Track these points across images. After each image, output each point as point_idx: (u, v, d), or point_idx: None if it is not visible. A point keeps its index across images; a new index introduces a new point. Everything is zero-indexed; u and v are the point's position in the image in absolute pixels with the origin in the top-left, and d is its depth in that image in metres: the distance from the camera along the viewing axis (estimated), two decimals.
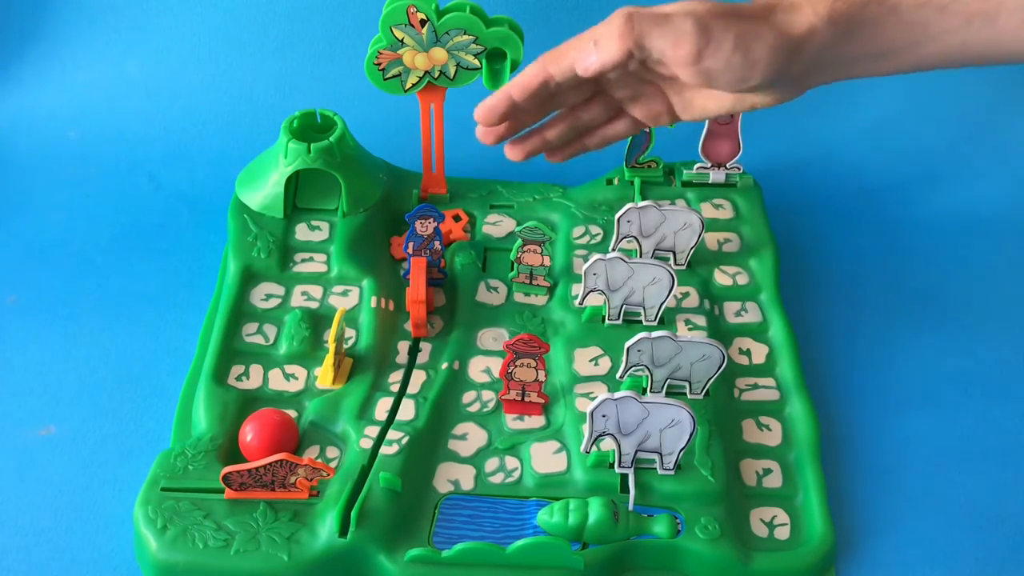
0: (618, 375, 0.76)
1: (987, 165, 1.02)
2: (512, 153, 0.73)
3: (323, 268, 0.85)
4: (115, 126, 1.03)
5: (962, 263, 0.93)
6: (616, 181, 0.93)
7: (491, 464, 0.73)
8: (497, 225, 0.90)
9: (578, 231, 0.89)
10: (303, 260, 0.86)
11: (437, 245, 0.84)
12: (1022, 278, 0.92)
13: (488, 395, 0.77)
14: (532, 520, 0.70)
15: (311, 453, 0.73)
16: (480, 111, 0.69)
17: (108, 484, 0.74)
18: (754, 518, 0.72)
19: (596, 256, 0.79)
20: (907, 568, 0.71)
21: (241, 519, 0.68)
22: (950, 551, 0.72)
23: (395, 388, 0.77)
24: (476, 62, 0.84)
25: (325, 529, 0.68)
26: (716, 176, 0.93)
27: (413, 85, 0.86)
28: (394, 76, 0.85)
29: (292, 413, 0.75)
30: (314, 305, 0.83)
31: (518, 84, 0.68)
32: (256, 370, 0.78)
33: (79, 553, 0.70)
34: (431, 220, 0.83)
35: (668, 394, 0.76)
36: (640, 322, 0.81)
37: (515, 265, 0.85)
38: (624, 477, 0.71)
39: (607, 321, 0.81)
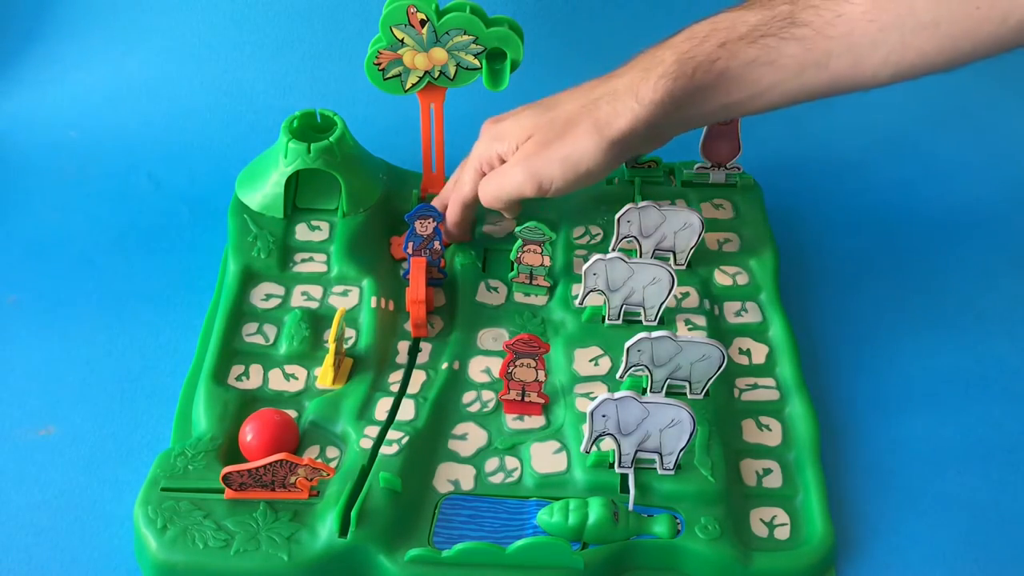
0: (618, 375, 0.76)
1: (987, 165, 1.02)
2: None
3: (323, 268, 0.85)
4: (115, 126, 1.03)
5: (962, 263, 0.93)
6: (616, 181, 0.93)
7: (491, 464, 0.73)
8: (497, 225, 0.90)
9: (578, 231, 0.89)
10: (303, 260, 0.86)
11: (437, 245, 0.84)
12: (1022, 278, 0.92)
13: (488, 395, 0.77)
14: (532, 520, 0.70)
15: (311, 453, 0.73)
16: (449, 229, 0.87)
17: (108, 484, 0.74)
18: (754, 518, 0.72)
19: (596, 256, 0.79)
20: (907, 568, 0.71)
21: (241, 519, 0.68)
22: (950, 551, 0.72)
23: (395, 388, 0.77)
24: (476, 62, 0.84)
25: (325, 529, 0.68)
26: (716, 176, 0.93)
27: (413, 85, 0.86)
28: (394, 76, 0.85)
29: (292, 413, 0.75)
30: (314, 305, 0.83)
31: (450, 213, 0.86)
32: (256, 370, 0.78)
33: (79, 553, 0.70)
34: (431, 220, 0.83)
35: (668, 394, 0.76)
36: (640, 322, 0.81)
37: (515, 265, 0.85)
38: (624, 477, 0.71)
39: (607, 321, 0.81)
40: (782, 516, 0.72)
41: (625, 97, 0.73)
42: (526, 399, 0.76)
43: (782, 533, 0.71)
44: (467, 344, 0.81)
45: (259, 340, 0.80)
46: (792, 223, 0.95)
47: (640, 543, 0.69)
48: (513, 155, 0.79)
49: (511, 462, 0.73)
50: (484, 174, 0.82)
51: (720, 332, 0.82)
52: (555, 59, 1.03)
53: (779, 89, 0.71)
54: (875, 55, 0.69)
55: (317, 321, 0.81)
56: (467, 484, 0.72)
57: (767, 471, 0.74)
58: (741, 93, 0.71)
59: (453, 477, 0.73)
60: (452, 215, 0.85)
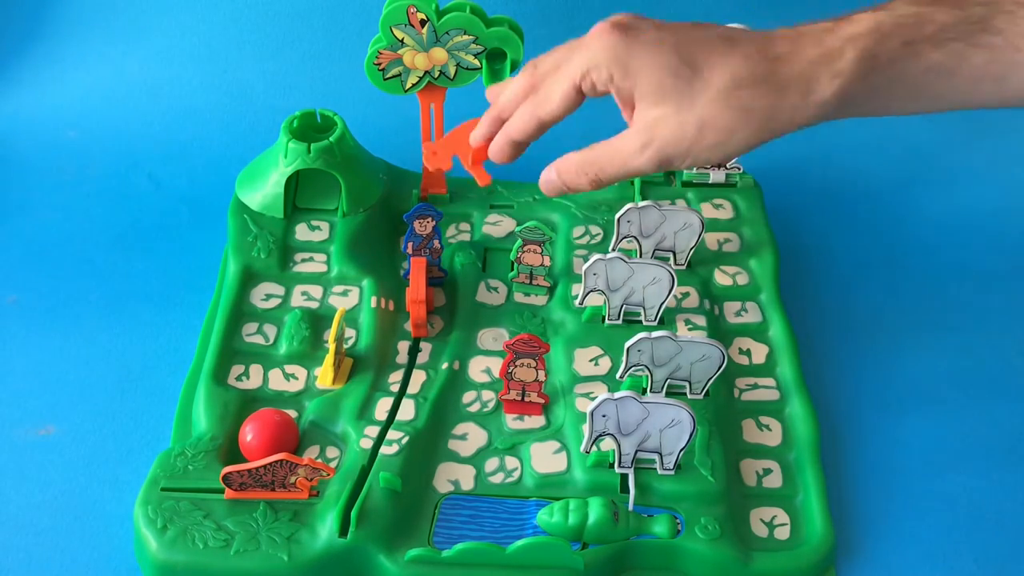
0: (618, 375, 0.76)
1: (987, 165, 1.02)
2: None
3: (323, 268, 0.85)
4: (115, 126, 1.03)
5: (962, 263, 0.93)
6: None
7: (491, 464, 0.73)
8: (497, 225, 0.90)
9: (578, 231, 0.89)
10: (303, 260, 0.86)
11: (437, 244, 0.84)
12: (1022, 278, 0.92)
13: (488, 395, 0.77)
14: (532, 520, 0.70)
15: (311, 453, 0.73)
16: (495, 156, 0.71)
17: (108, 484, 0.74)
18: (754, 518, 0.72)
19: (596, 256, 0.79)
20: (907, 568, 0.71)
21: (241, 519, 0.68)
22: (950, 551, 0.72)
23: (395, 388, 0.77)
24: (476, 62, 0.84)
25: (325, 529, 0.68)
26: (716, 176, 0.93)
27: (413, 85, 0.86)
28: (394, 76, 0.85)
29: (292, 413, 0.75)
30: (314, 305, 0.83)
31: (516, 130, 0.68)
32: (256, 370, 0.78)
33: (79, 553, 0.70)
34: (430, 219, 0.83)
35: (668, 394, 0.76)
36: (640, 322, 0.81)
37: (515, 265, 0.85)
38: (624, 477, 0.71)
39: (607, 321, 0.81)
40: (782, 516, 0.72)
41: (792, 92, 0.61)
42: (526, 399, 0.76)
43: (782, 533, 0.71)
44: (467, 344, 0.81)
45: (259, 340, 0.80)
46: (792, 223, 0.95)
47: (640, 543, 0.69)
48: (641, 109, 0.63)
49: (511, 462, 0.73)
50: (581, 92, 0.65)
51: (720, 332, 0.82)
52: None
53: (946, 100, 0.62)
54: None
55: (317, 321, 0.81)
56: (467, 484, 0.72)
57: (767, 471, 0.74)
58: (909, 102, 0.63)
59: (453, 477, 0.73)
60: (504, 142, 0.69)
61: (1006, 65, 0.60)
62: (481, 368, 0.79)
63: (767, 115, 0.61)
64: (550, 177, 0.67)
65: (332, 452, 0.74)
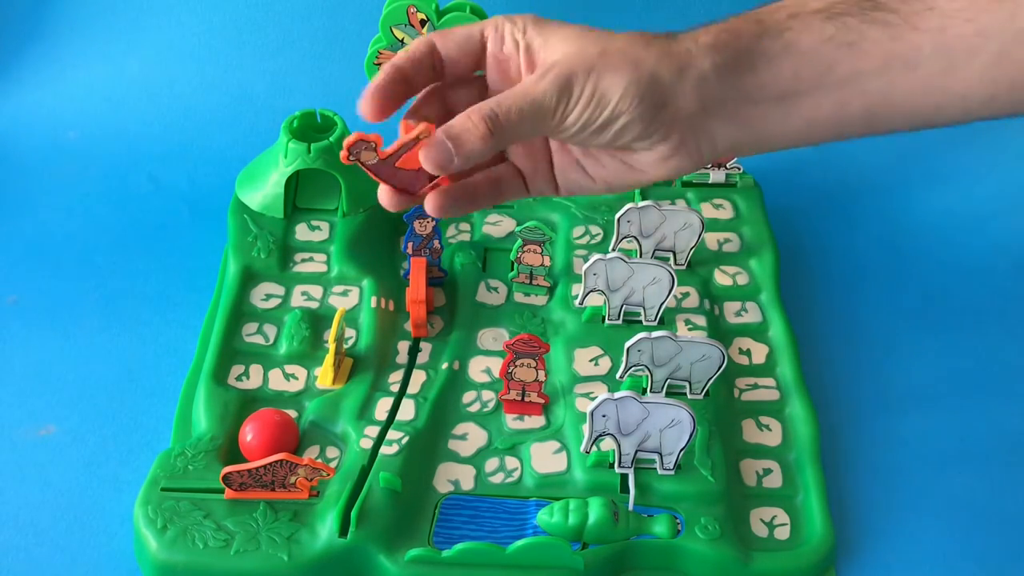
0: (618, 375, 0.76)
1: (987, 165, 1.02)
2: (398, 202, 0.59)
3: (323, 268, 0.85)
4: (115, 126, 1.02)
5: (962, 263, 0.93)
6: None
7: (491, 464, 0.73)
8: (497, 225, 0.90)
9: (578, 231, 0.89)
10: (303, 260, 0.86)
11: (437, 244, 0.84)
12: (1022, 278, 0.91)
13: (488, 395, 0.77)
14: (532, 520, 0.70)
15: (311, 453, 0.73)
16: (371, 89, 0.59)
17: (108, 484, 0.74)
18: (754, 518, 0.72)
19: (596, 256, 0.79)
20: (907, 568, 0.71)
21: (241, 519, 0.68)
22: (950, 551, 0.72)
23: (395, 388, 0.77)
24: None
25: (325, 529, 0.68)
26: (716, 176, 0.93)
27: None
28: None
29: (292, 413, 0.75)
30: (314, 305, 0.83)
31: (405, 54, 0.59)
32: (256, 370, 0.78)
33: (79, 553, 0.70)
34: (430, 220, 0.83)
35: (668, 394, 0.76)
36: (640, 322, 0.81)
37: (515, 265, 0.85)
38: (624, 477, 0.71)
39: (607, 321, 0.81)
40: (782, 516, 0.72)
41: (682, 38, 0.58)
42: (526, 399, 0.76)
43: (782, 533, 0.71)
44: (467, 344, 0.81)
45: (259, 340, 0.80)
46: (792, 223, 0.95)
47: (640, 543, 0.69)
48: (546, 54, 0.58)
49: (511, 462, 0.73)
50: (482, 36, 0.59)
51: (720, 332, 0.82)
52: None
53: (860, 85, 0.57)
54: (971, 64, 0.57)
55: (317, 321, 0.81)
56: (467, 484, 0.72)
57: (767, 471, 0.74)
58: (807, 78, 0.57)
59: (453, 477, 0.73)
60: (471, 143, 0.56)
61: (909, 46, 0.57)
62: (481, 368, 0.79)
63: (655, 69, 0.56)
64: (436, 139, 0.55)
65: (332, 452, 0.73)
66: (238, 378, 0.78)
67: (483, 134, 0.54)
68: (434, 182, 0.57)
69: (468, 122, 0.54)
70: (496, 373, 0.78)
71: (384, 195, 0.58)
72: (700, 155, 0.57)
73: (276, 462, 0.67)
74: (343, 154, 0.56)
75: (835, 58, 0.57)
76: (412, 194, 0.58)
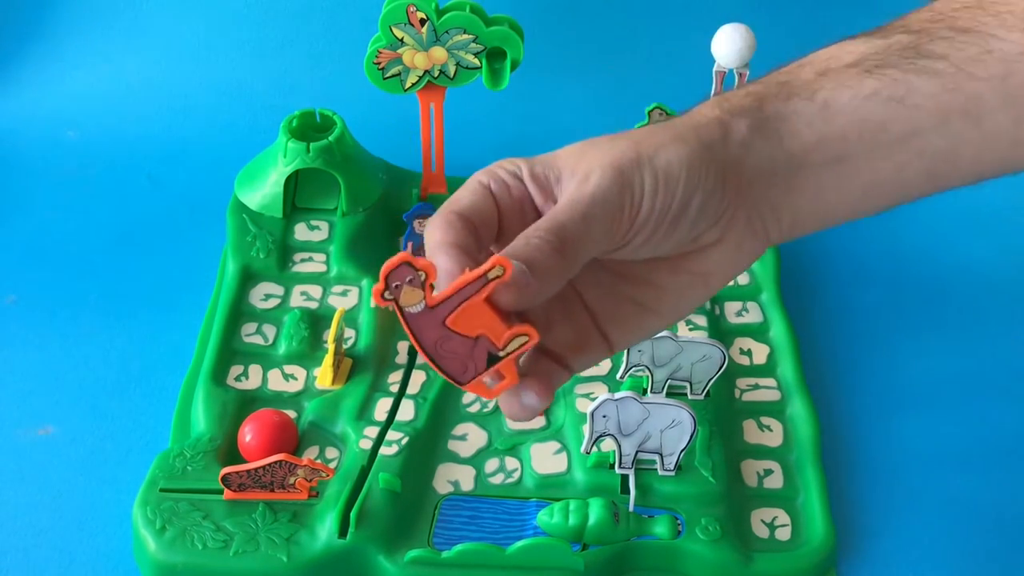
0: (618, 375, 0.75)
1: None
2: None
3: (322, 268, 0.85)
4: (114, 126, 1.02)
5: (963, 263, 0.92)
6: None
7: (491, 465, 0.73)
8: None
9: None
10: (302, 260, 0.86)
11: None
12: (1022, 278, 0.91)
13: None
14: (532, 521, 0.69)
15: (310, 454, 0.73)
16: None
17: (107, 484, 0.74)
18: (755, 519, 0.71)
19: None
20: (908, 569, 0.71)
21: (240, 520, 0.68)
22: (951, 552, 0.71)
23: (395, 388, 0.77)
24: (476, 61, 0.84)
25: (324, 530, 0.67)
26: None
27: (413, 84, 0.85)
28: (394, 75, 0.85)
29: (291, 413, 0.75)
30: (313, 305, 0.83)
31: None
32: (255, 370, 0.78)
33: (78, 554, 0.70)
34: (429, 219, 0.83)
35: (669, 394, 0.75)
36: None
37: None
38: (624, 478, 0.71)
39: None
40: (783, 517, 0.71)
41: (703, 108, 0.51)
42: None
43: (783, 534, 0.70)
44: None
45: (258, 340, 0.80)
46: None
47: (641, 544, 0.68)
48: (569, 169, 0.48)
49: (511, 463, 0.73)
50: (486, 185, 0.49)
51: (721, 332, 0.82)
52: (555, 59, 1.02)
53: (918, 144, 0.49)
54: None
55: (316, 321, 0.81)
56: (467, 485, 0.72)
57: (768, 472, 0.74)
58: (862, 133, 0.49)
59: (453, 478, 0.72)
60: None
61: (968, 97, 0.49)
62: None
63: (700, 138, 0.49)
64: (524, 281, 0.43)
65: (331, 453, 0.73)
66: (237, 378, 0.77)
67: (553, 249, 0.44)
68: (493, 367, 0.42)
69: (529, 242, 0.44)
70: None
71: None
72: (767, 235, 0.51)
73: (275, 463, 0.67)
74: (377, 288, 0.41)
75: (885, 116, 0.49)
76: (457, 383, 0.43)
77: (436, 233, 0.46)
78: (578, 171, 0.47)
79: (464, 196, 0.48)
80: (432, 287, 0.40)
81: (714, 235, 0.49)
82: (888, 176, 0.51)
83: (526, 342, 0.40)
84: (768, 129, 0.49)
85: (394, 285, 0.40)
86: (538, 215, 0.48)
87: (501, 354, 0.41)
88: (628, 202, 0.46)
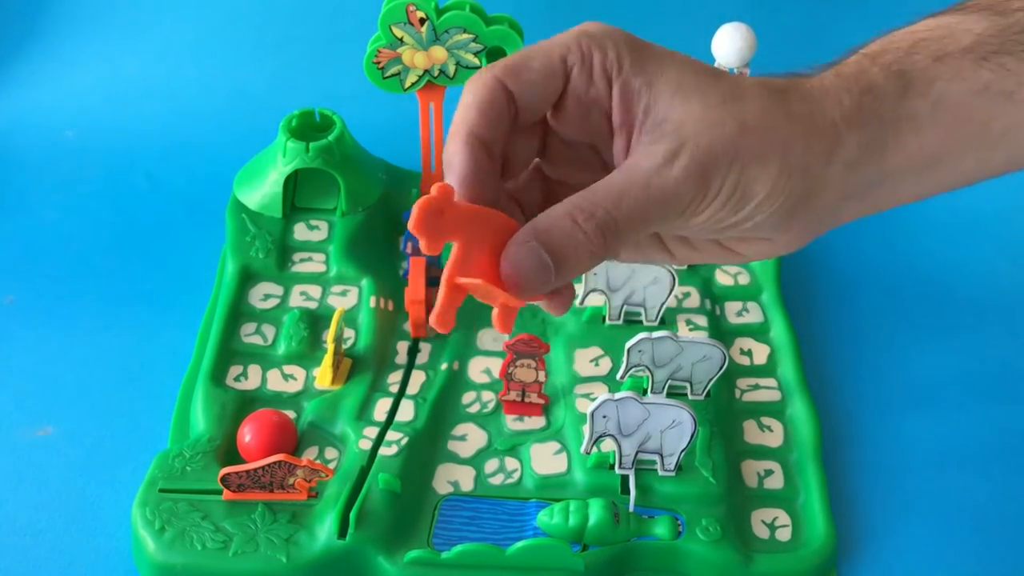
0: (619, 376, 0.75)
1: None
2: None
3: (322, 268, 0.85)
4: (113, 126, 1.02)
5: (964, 263, 0.92)
6: None
7: (491, 465, 0.73)
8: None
9: None
10: (302, 260, 0.86)
11: None
12: (1022, 278, 0.91)
13: (488, 396, 0.77)
14: (532, 521, 0.69)
15: (310, 454, 0.73)
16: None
17: (106, 485, 0.74)
18: (755, 519, 0.71)
19: None
20: (909, 569, 0.71)
21: (239, 520, 0.68)
22: (952, 553, 0.71)
23: (394, 389, 0.77)
24: (476, 61, 0.84)
25: (324, 530, 0.67)
26: None
27: (412, 84, 0.85)
28: (393, 75, 0.85)
29: (291, 414, 0.75)
30: (313, 305, 0.83)
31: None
32: (254, 370, 0.78)
33: (77, 554, 0.70)
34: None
35: (669, 395, 0.75)
36: (641, 322, 0.81)
37: None
38: (625, 478, 0.71)
39: (607, 321, 0.81)
40: (783, 517, 0.71)
41: (828, 101, 0.46)
42: (526, 400, 0.75)
43: (783, 535, 0.70)
44: (467, 344, 0.80)
45: (257, 340, 0.80)
46: None
47: (641, 545, 0.68)
48: (659, 108, 0.44)
49: (511, 463, 0.73)
50: (566, 65, 0.45)
51: (721, 332, 0.82)
52: None
53: (1012, 140, 0.46)
54: None
55: (316, 321, 0.81)
56: (467, 485, 0.72)
57: (768, 472, 0.74)
58: (963, 135, 0.46)
59: (453, 478, 0.72)
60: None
61: None
62: (481, 369, 0.79)
63: (804, 157, 0.45)
64: (528, 248, 0.42)
65: (331, 453, 0.73)
66: (236, 379, 0.77)
67: (596, 248, 0.41)
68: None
69: (576, 230, 0.41)
70: (496, 374, 0.78)
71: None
72: (818, 234, 0.48)
73: (275, 463, 0.67)
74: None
75: (990, 114, 0.46)
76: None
77: (457, 165, 0.44)
78: (669, 128, 0.43)
79: (479, 102, 0.44)
80: None
81: (764, 235, 0.47)
82: (967, 171, 0.48)
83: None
84: (876, 144, 0.46)
85: None
86: (607, 122, 0.44)
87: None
88: (695, 206, 0.43)
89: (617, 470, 0.71)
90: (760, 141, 0.43)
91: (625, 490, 0.71)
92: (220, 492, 0.69)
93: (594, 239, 0.41)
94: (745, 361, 0.81)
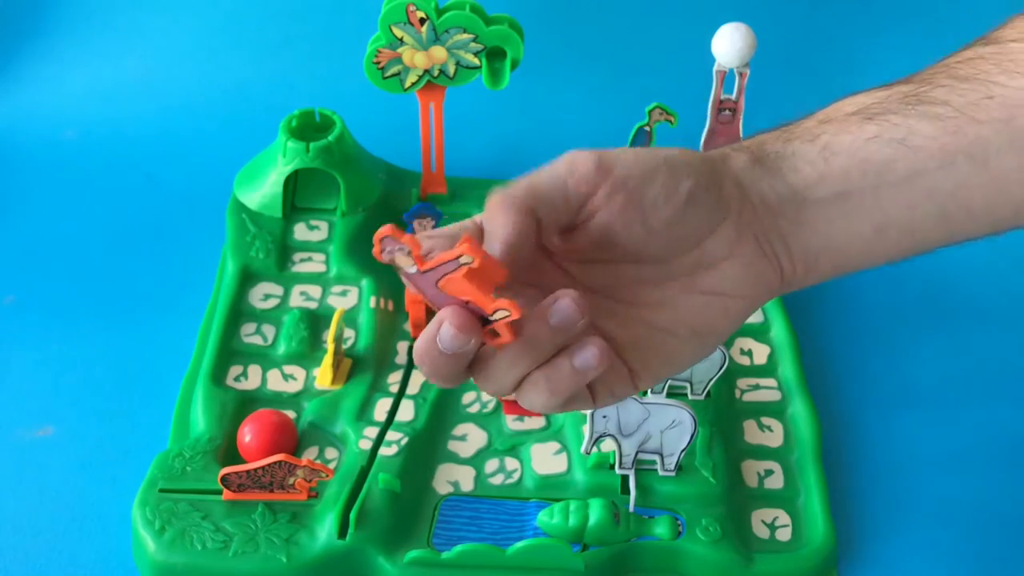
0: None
1: None
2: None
3: (322, 268, 0.85)
4: (113, 126, 1.02)
5: (965, 263, 0.92)
6: None
7: (491, 465, 0.73)
8: None
9: None
10: (302, 260, 0.86)
11: None
12: (1023, 277, 0.91)
13: (488, 396, 0.77)
14: (532, 521, 0.69)
15: (310, 454, 0.73)
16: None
17: (106, 485, 0.74)
18: (755, 519, 0.71)
19: None
20: (909, 569, 0.71)
21: (239, 520, 0.68)
22: (952, 553, 0.71)
23: (394, 389, 0.77)
24: (476, 60, 0.84)
25: (324, 530, 0.67)
26: None
27: (412, 84, 0.85)
28: (393, 75, 0.85)
29: (291, 414, 0.75)
30: (313, 305, 0.83)
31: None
32: (255, 370, 0.78)
33: (77, 555, 0.70)
34: (429, 219, 0.82)
35: (669, 395, 0.75)
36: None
37: None
38: (625, 478, 0.71)
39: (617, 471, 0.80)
40: (784, 517, 0.71)
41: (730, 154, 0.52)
42: None
43: (784, 535, 0.70)
44: None
45: (257, 340, 0.80)
46: None
47: (641, 544, 0.68)
48: None
49: (511, 463, 0.73)
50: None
51: None
52: (555, 59, 1.02)
53: (924, 183, 0.49)
54: None
55: (316, 321, 0.81)
56: (467, 485, 0.72)
57: (768, 472, 0.74)
58: (864, 171, 0.49)
59: (453, 478, 0.72)
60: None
61: (972, 140, 0.49)
62: None
63: (700, 156, 0.51)
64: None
65: (331, 453, 0.73)
66: (236, 379, 0.77)
67: (503, 204, 0.46)
68: (486, 328, 0.44)
69: (494, 198, 0.46)
70: None
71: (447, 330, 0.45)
72: (780, 265, 0.50)
73: (275, 463, 0.67)
74: (375, 249, 0.44)
75: (887, 155, 0.50)
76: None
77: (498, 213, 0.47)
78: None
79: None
80: (422, 257, 0.43)
81: (721, 248, 0.49)
82: (898, 217, 0.51)
83: (508, 316, 0.42)
84: (768, 163, 0.50)
85: (387, 249, 0.44)
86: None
87: (491, 318, 0.43)
88: (599, 162, 0.47)
89: (617, 470, 0.71)
90: (659, 157, 0.49)
91: (625, 490, 0.71)
92: (220, 492, 0.69)
93: (503, 196, 0.46)
94: (745, 361, 0.81)
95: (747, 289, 0.50)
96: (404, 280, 0.45)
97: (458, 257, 0.42)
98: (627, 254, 0.49)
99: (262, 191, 0.87)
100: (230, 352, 0.79)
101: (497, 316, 0.43)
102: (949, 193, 0.50)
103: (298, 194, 0.88)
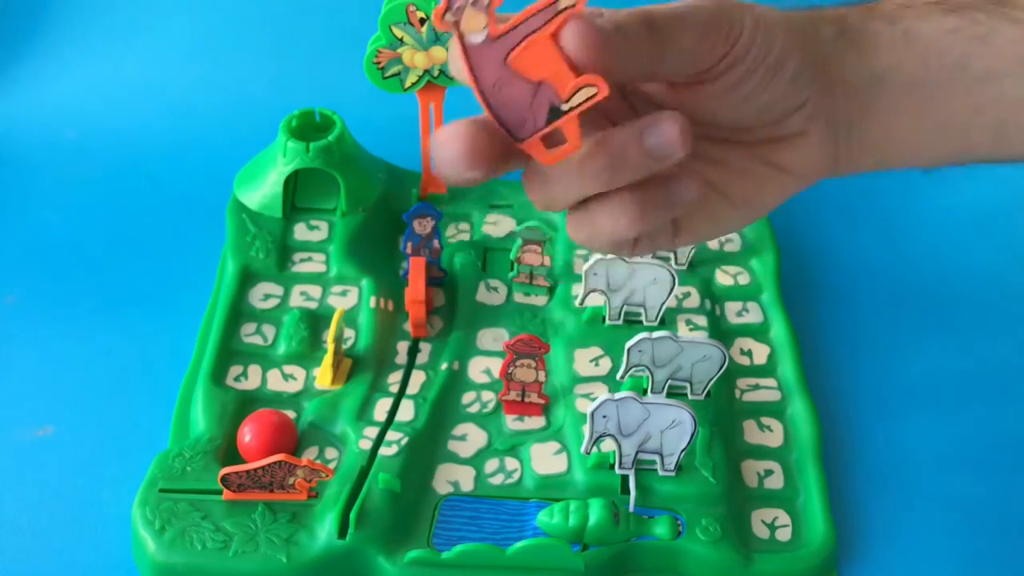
0: (619, 376, 0.75)
1: (988, 165, 1.01)
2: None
3: (322, 268, 0.85)
4: (113, 126, 1.02)
5: (965, 263, 0.92)
6: None
7: (491, 465, 0.73)
8: (497, 225, 0.90)
9: None
10: (302, 260, 0.86)
11: (436, 244, 0.84)
12: (1023, 277, 0.91)
13: (488, 396, 0.77)
14: (532, 521, 0.69)
15: (310, 454, 0.73)
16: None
17: (106, 485, 0.74)
18: (755, 519, 0.71)
19: (597, 256, 0.78)
20: (909, 569, 0.71)
21: (239, 520, 0.68)
22: (952, 553, 0.71)
23: (394, 389, 0.77)
24: None
25: (324, 530, 0.67)
26: None
27: (412, 84, 0.85)
28: (393, 75, 0.85)
29: (291, 414, 0.75)
30: (313, 305, 0.83)
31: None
32: (255, 370, 0.78)
33: (77, 555, 0.70)
34: (429, 219, 0.82)
35: (669, 395, 0.75)
36: (641, 322, 0.81)
37: (515, 265, 0.84)
38: (625, 478, 0.71)
39: (607, 321, 0.81)
40: (783, 517, 0.71)
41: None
42: (526, 400, 0.75)
43: (783, 535, 0.70)
44: (467, 344, 0.80)
45: (257, 340, 0.80)
46: (793, 223, 0.95)
47: (641, 544, 0.68)
48: None
49: (511, 463, 0.73)
50: None
51: (721, 332, 0.82)
52: None
53: (996, 87, 0.48)
54: None
55: (316, 321, 0.81)
56: (467, 485, 0.72)
57: (768, 472, 0.74)
58: (942, 64, 0.48)
59: (453, 478, 0.72)
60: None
61: None
62: (481, 368, 0.79)
63: (792, 25, 0.48)
64: (596, 28, 0.39)
65: (331, 453, 0.73)
66: (236, 379, 0.77)
67: (641, 18, 0.41)
68: (554, 123, 0.38)
69: (617, 12, 0.41)
70: (496, 374, 0.78)
71: (461, 140, 0.41)
72: (836, 151, 0.50)
73: (275, 463, 0.67)
74: (438, 9, 0.37)
75: (966, 51, 0.48)
76: (514, 138, 0.39)
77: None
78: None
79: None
80: (493, 16, 0.37)
81: (799, 123, 0.48)
82: (961, 119, 0.50)
83: (594, 95, 0.37)
84: (851, 39, 0.49)
85: (456, 6, 0.37)
86: None
87: (564, 107, 0.37)
88: (727, 29, 0.44)
89: (617, 470, 0.71)
90: (763, 9, 0.46)
91: (625, 490, 0.71)
92: (220, 492, 0.69)
93: (634, 13, 0.41)
94: (745, 361, 0.81)
95: (807, 169, 0.49)
96: (456, 61, 0.38)
97: (555, 1, 0.35)
98: (709, 114, 0.47)
99: (262, 191, 0.87)
100: (230, 352, 0.79)
101: (577, 99, 0.37)
102: (1016, 101, 0.49)
103: (298, 194, 0.88)
